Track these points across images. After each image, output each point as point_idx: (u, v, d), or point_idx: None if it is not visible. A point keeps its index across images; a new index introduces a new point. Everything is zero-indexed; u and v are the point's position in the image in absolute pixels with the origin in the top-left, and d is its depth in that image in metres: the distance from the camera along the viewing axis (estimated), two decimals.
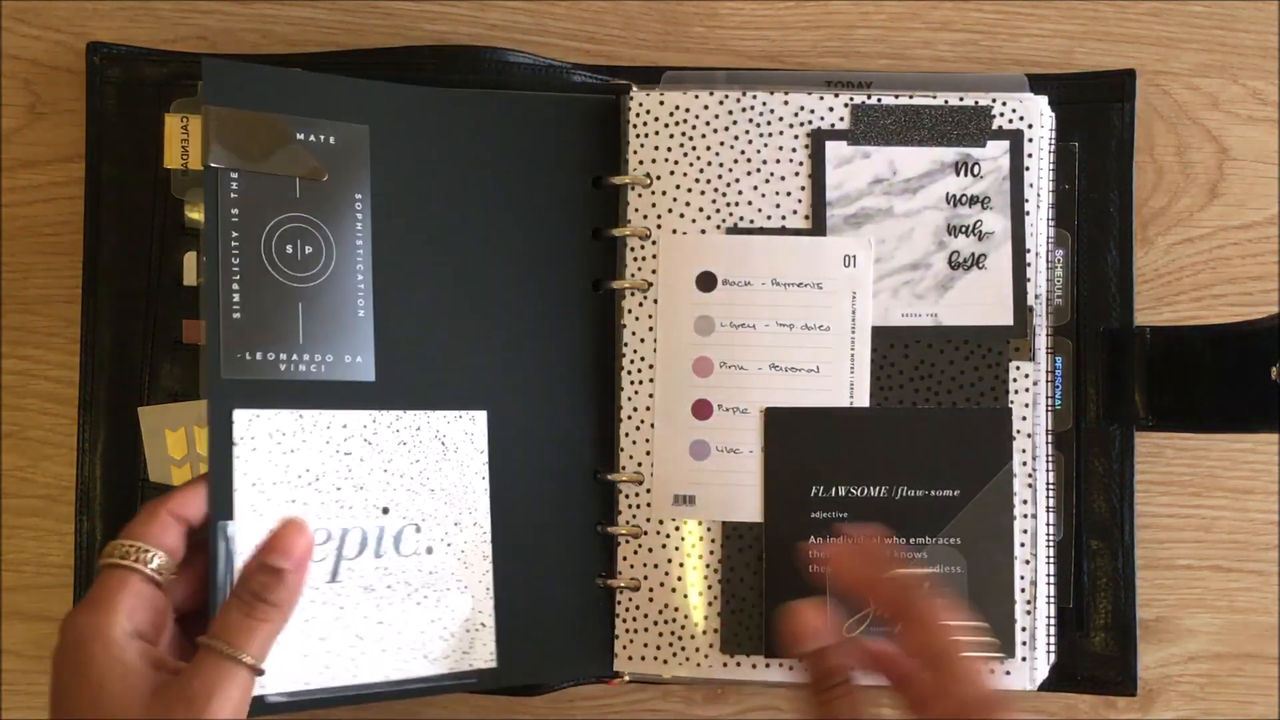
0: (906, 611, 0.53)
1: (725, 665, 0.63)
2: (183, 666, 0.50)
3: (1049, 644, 0.64)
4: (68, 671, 0.49)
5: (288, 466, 0.57)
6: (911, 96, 0.64)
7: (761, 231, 0.64)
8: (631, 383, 0.64)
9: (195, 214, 0.65)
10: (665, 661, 0.64)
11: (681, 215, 0.64)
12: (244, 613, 0.51)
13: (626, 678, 0.65)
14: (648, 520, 0.64)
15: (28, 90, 0.68)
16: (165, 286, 0.65)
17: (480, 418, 0.62)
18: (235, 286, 0.57)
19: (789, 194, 0.64)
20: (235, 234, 0.57)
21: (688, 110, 0.64)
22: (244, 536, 0.54)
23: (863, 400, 0.63)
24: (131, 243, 0.65)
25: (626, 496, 0.64)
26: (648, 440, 0.64)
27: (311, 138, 0.59)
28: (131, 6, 0.69)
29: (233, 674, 0.49)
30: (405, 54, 0.67)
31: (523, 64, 0.66)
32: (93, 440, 0.65)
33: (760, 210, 0.64)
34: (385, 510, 0.59)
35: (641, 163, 0.64)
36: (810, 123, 0.64)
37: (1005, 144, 0.64)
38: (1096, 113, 0.67)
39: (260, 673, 0.50)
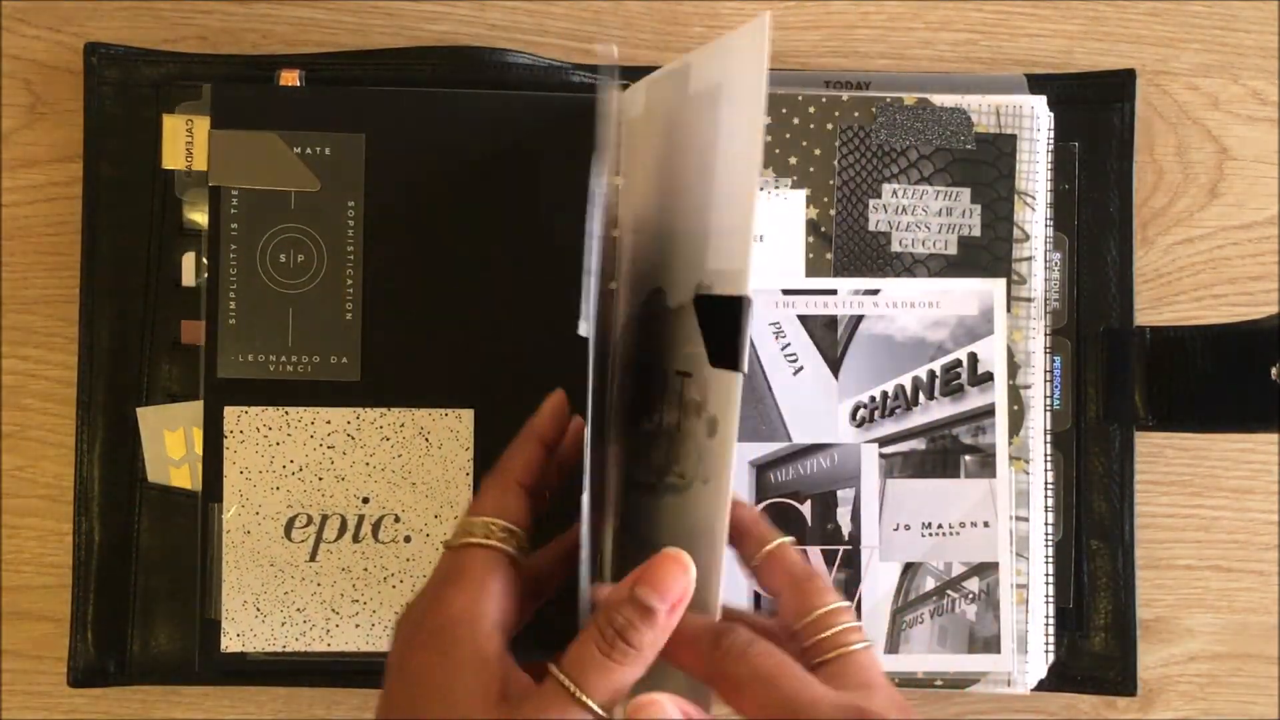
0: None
1: None
2: (528, 683, 0.45)
3: (1047, 644, 0.64)
4: (431, 653, 0.45)
5: (273, 458, 0.63)
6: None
7: None
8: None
9: (194, 215, 0.65)
10: None
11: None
12: (603, 650, 0.44)
13: None
14: None
15: (27, 90, 0.68)
16: (164, 287, 0.65)
17: (467, 416, 0.64)
18: (232, 294, 0.63)
19: None
20: (234, 245, 0.63)
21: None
22: (232, 517, 0.62)
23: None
24: (130, 243, 0.65)
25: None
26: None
27: (308, 150, 0.63)
28: (131, 6, 0.69)
29: (573, 717, 0.43)
30: (405, 54, 0.67)
31: (523, 64, 0.66)
32: (91, 440, 0.65)
33: None
34: (365, 500, 0.63)
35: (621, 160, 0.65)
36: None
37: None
38: (1096, 113, 0.67)
39: None
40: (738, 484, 0.64)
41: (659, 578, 0.44)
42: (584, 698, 0.43)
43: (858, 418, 0.64)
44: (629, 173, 0.62)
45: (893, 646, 0.64)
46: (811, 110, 0.65)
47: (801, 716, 0.42)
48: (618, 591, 0.45)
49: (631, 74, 0.67)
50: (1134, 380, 0.66)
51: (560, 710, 0.43)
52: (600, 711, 0.43)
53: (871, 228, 0.65)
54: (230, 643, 0.63)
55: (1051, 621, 0.64)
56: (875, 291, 0.64)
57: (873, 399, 0.64)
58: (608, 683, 0.43)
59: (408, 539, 0.63)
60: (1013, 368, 0.64)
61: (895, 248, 0.64)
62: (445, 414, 0.63)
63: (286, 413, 0.63)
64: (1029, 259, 0.64)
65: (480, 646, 0.45)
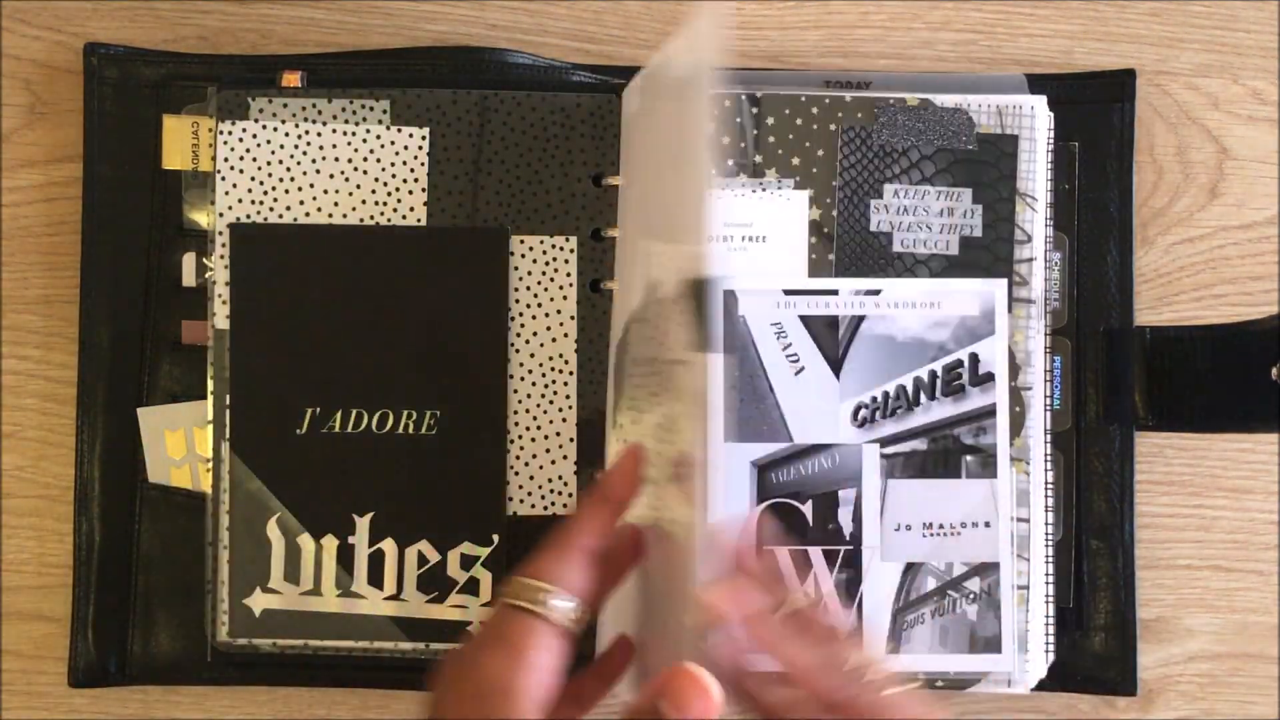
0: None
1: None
2: None
3: (1047, 644, 0.64)
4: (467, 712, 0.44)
5: None
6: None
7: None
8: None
9: (194, 215, 0.65)
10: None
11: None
12: None
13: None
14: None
15: (27, 90, 0.68)
16: (164, 287, 0.65)
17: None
18: None
19: None
20: None
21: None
22: None
23: None
24: (130, 243, 0.65)
25: None
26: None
27: None
28: (131, 6, 0.69)
29: None
30: (405, 54, 0.67)
31: (523, 64, 0.66)
32: (91, 440, 0.65)
33: None
34: None
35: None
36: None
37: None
38: (1096, 113, 0.67)
39: None
40: (740, 484, 0.64)
41: (679, 694, 0.43)
42: None
43: (859, 418, 0.64)
44: (629, 171, 0.62)
45: (894, 647, 0.64)
46: (814, 111, 0.65)
47: None
48: (644, 700, 0.44)
49: (632, 74, 0.67)
50: (1134, 380, 0.66)
51: None
52: None
53: (873, 228, 0.65)
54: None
55: (1051, 621, 0.64)
56: (877, 292, 0.64)
57: (874, 399, 0.64)
58: None
59: None
60: (1013, 368, 0.64)
61: (897, 248, 0.64)
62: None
63: None
64: (1030, 260, 0.64)
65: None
